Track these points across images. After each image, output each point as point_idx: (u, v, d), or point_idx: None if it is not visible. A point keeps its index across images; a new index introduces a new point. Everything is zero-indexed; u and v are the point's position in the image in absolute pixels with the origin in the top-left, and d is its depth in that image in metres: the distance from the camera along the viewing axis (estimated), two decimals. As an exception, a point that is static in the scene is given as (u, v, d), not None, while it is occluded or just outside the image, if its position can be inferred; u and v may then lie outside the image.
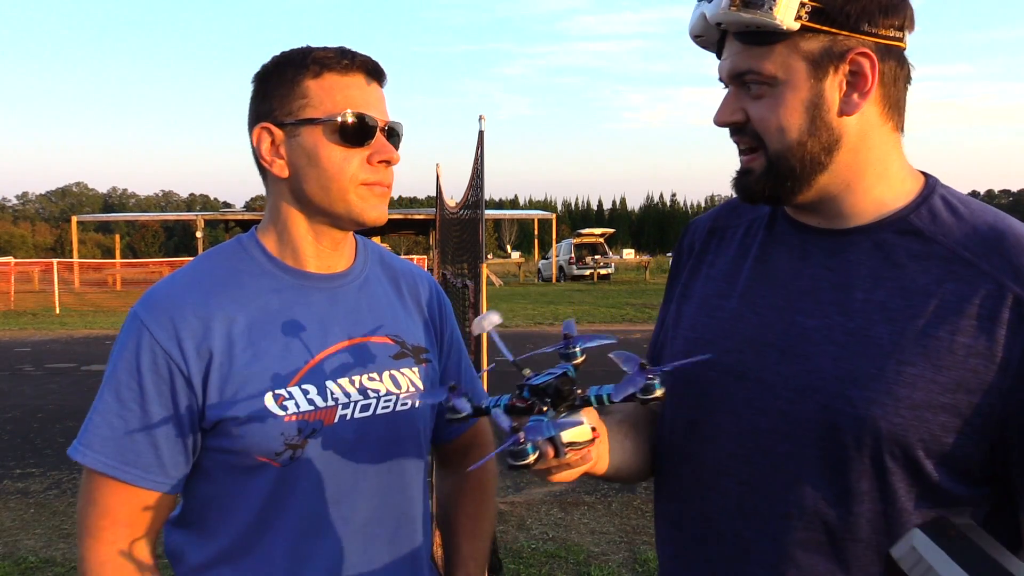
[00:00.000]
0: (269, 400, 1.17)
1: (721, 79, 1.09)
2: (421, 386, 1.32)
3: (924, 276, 1.00)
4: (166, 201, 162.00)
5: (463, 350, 1.48)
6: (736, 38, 1.03)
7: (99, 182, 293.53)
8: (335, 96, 1.18)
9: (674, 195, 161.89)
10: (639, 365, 0.91)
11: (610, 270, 33.42)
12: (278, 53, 1.23)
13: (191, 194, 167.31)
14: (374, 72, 1.22)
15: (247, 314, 1.20)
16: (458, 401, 1.02)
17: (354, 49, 1.23)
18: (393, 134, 1.24)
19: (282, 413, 1.17)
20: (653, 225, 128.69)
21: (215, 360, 1.16)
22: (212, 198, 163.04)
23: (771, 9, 0.97)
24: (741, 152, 1.09)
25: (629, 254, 55.99)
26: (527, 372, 0.98)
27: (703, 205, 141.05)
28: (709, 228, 1.27)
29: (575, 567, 4.13)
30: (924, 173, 1.11)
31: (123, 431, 1.15)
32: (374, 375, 1.27)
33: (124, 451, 1.15)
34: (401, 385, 1.29)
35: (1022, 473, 0.96)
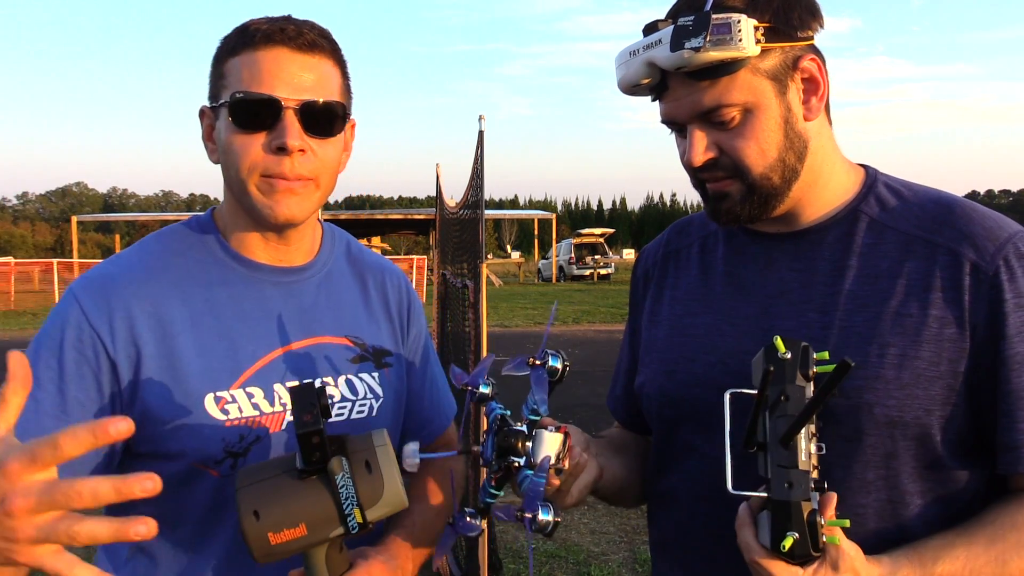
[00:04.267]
0: (210, 403, 1.07)
1: (671, 121, 1.07)
2: (380, 392, 1.22)
3: (884, 260, 1.04)
4: (166, 201, 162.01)
5: (430, 356, 1.38)
6: (691, 76, 1.00)
7: (99, 182, 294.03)
8: (242, 74, 1.05)
9: (674, 195, 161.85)
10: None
11: (610, 270, 33.40)
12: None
13: (191, 194, 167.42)
14: (303, 44, 1.07)
15: (191, 305, 1.10)
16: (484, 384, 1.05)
17: (297, 19, 1.10)
18: (314, 115, 1.06)
19: (223, 418, 1.07)
20: (653, 225, 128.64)
21: (148, 351, 1.05)
22: (212, 198, 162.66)
23: (740, 41, 0.96)
24: (709, 181, 1.07)
25: (629, 254, 55.99)
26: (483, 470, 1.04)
27: (703, 205, 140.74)
28: (663, 253, 1.28)
29: (575, 567, 4.13)
30: (863, 165, 1.15)
31: (32, 412, 0.96)
32: (328, 379, 1.17)
33: (30, 435, 0.88)
34: (358, 391, 1.20)
35: (996, 427, 1.00)
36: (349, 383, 1.19)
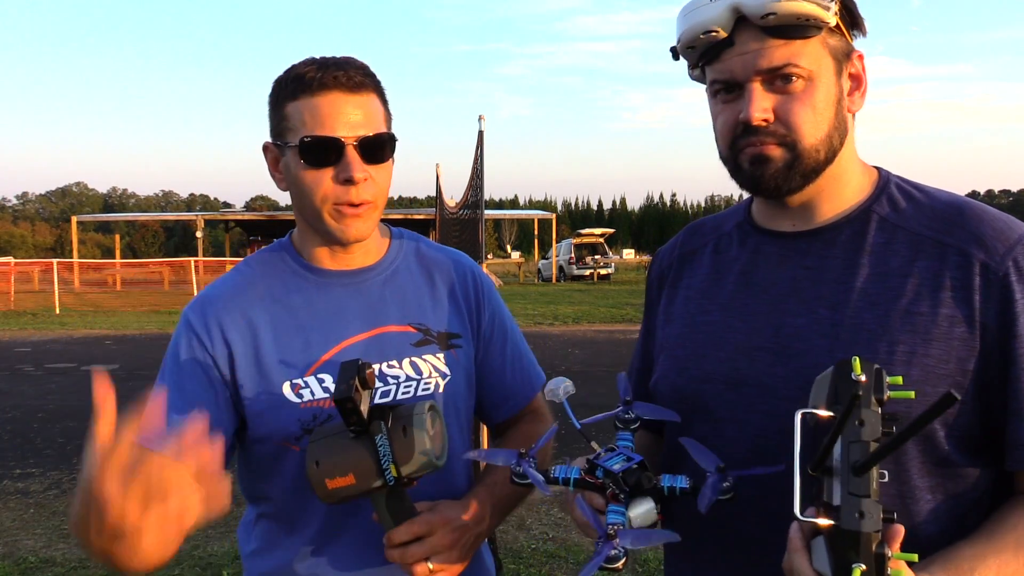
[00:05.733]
0: (287, 389, 1.26)
1: (728, 81, 1.06)
2: (447, 371, 1.36)
3: (895, 259, 1.05)
4: (166, 201, 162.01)
5: (508, 334, 1.49)
6: (768, 32, 1.01)
7: (99, 182, 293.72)
8: (304, 117, 1.23)
9: (674, 195, 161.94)
10: (718, 469, 1.01)
11: (610, 270, 33.42)
12: (288, 67, 1.29)
13: (191, 194, 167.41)
14: (352, 85, 1.23)
15: (272, 311, 1.31)
16: (526, 467, 1.09)
17: (340, 60, 1.26)
18: (370, 147, 1.24)
19: (297, 400, 1.26)
20: (653, 225, 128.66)
21: (239, 351, 1.27)
22: (212, 198, 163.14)
23: (829, 6, 1.00)
24: (751, 146, 1.05)
25: (629, 254, 56.13)
26: (595, 446, 1.08)
27: (703, 205, 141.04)
28: (678, 255, 1.30)
29: (575, 567, 4.13)
30: (876, 167, 1.16)
31: (161, 402, 1.20)
32: (393, 362, 1.32)
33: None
34: (423, 371, 1.34)
35: (1005, 425, 1.00)
36: (414, 364, 1.34)
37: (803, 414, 0.93)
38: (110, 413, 0.88)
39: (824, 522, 0.89)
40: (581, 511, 1.03)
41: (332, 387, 1.26)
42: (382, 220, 1.40)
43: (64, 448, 6.54)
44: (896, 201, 1.10)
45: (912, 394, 0.91)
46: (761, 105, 1.03)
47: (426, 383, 1.33)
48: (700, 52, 1.08)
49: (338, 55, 1.29)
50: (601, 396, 7.92)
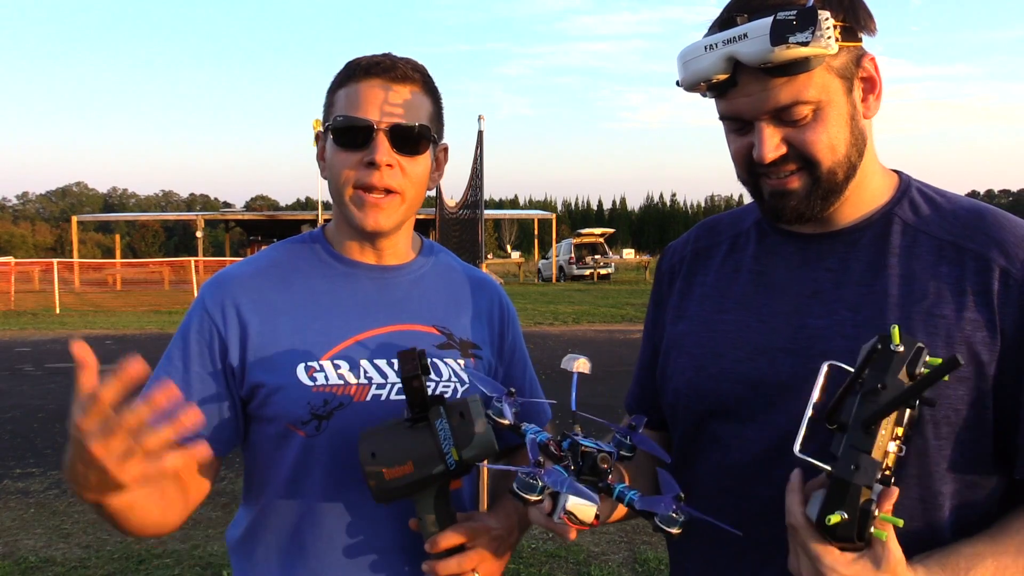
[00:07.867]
0: (300, 370, 1.24)
1: (735, 117, 1.06)
2: (466, 379, 1.33)
3: (917, 263, 1.05)
4: (166, 201, 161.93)
5: (527, 362, 1.51)
6: (768, 72, 1.00)
7: (99, 182, 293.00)
8: (344, 101, 1.26)
9: (674, 195, 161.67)
10: (675, 496, 1.00)
11: (610, 270, 33.45)
12: None
13: (191, 194, 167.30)
14: (396, 76, 1.26)
15: (294, 293, 1.30)
16: (506, 407, 1.11)
17: (396, 56, 1.30)
18: (402, 135, 1.24)
19: (310, 383, 1.24)
20: (653, 225, 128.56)
21: (254, 330, 1.25)
22: (212, 198, 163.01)
23: (829, 38, 0.97)
24: (771, 177, 1.06)
25: (629, 254, 56.02)
26: (578, 428, 1.07)
27: (703, 205, 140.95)
28: (692, 251, 1.29)
29: (575, 567, 4.13)
30: (896, 171, 1.16)
31: (166, 382, 1.25)
32: None
33: None
34: (443, 373, 1.31)
35: (1017, 431, 1.00)
36: (434, 365, 1.31)
37: (830, 365, 0.96)
38: (92, 367, 0.93)
39: (821, 465, 0.91)
40: (529, 449, 1.04)
41: (347, 375, 1.25)
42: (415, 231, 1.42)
43: (64, 448, 6.53)
44: (918, 206, 1.10)
45: (940, 360, 0.90)
46: (772, 144, 1.03)
47: (444, 386, 1.30)
48: (705, 91, 1.08)
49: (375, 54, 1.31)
50: (601, 396, 7.89)
